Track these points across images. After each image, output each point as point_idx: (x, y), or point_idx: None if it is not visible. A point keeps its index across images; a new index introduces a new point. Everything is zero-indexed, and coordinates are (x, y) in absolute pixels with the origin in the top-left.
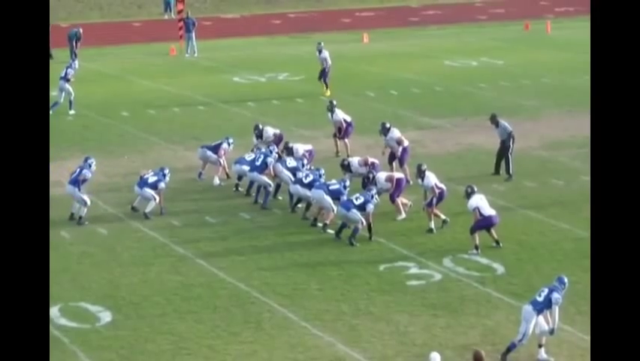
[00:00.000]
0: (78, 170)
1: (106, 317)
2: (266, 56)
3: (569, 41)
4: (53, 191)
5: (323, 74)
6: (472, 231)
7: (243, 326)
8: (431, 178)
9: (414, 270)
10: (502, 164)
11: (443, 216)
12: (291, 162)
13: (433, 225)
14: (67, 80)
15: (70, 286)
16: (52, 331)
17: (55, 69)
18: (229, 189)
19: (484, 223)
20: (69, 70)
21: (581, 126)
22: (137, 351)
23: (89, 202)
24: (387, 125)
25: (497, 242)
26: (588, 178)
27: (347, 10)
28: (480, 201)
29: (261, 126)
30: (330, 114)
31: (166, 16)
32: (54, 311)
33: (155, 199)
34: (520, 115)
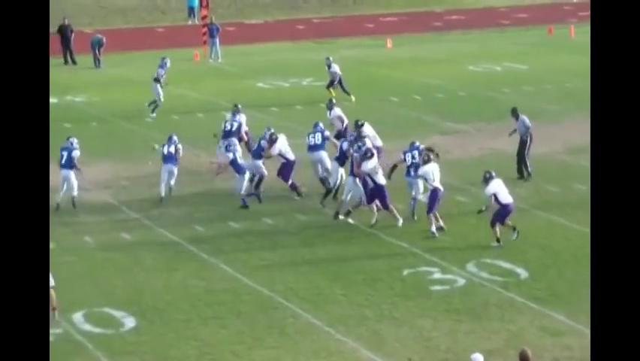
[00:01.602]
0: (66, 153)
1: (130, 322)
2: (290, 62)
3: None
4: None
5: (339, 84)
6: (493, 224)
7: (266, 331)
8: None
9: (437, 275)
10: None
11: (441, 223)
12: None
13: (434, 228)
14: (158, 81)
15: (94, 291)
16: (76, 336)
17: (79, 75)
18: (251, 195)
19: (502, 213)
20: (160, 70)
21: None
22: (161, 357)
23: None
24: (334, 101)
25: (514, 228)
26: None
27: (371, 15)
28: (498, 187)
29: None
30: (328, 112)
31: (190, 22)
32: (78, 317)
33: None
34: (543, 119)
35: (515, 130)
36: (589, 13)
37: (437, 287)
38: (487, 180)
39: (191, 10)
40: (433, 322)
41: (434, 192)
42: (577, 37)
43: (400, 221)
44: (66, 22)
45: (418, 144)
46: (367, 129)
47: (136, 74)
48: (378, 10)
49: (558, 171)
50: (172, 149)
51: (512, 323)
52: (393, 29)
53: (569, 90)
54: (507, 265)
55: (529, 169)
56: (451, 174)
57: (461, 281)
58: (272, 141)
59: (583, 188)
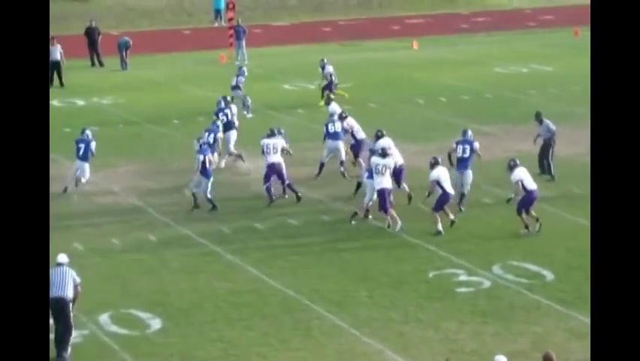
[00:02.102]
0: (83, 145)
1: (156, 323)
2: (315, 64)
3: None
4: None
5: (328, 86)
6: (519, 212)
7: (292, 333)
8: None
9: (463, 277)
10: (545, 165)
11: (452, 216)
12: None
13: (440, 227)
14: (239, 88)
15: (120, 293)
16: (102, 337)
17: (106, 77)
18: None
19: (528, 200)
20: (239, 78)
21: None
22: (187, 358)
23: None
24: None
25: (537, 219)
26: None
27: (396, 17)
28: (523, 174)
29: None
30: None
31: (216, 24)
32: (104, 318)
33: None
34: (569, 122)
35: (539, 135)
36: None
37: (463, 289)
38: (511, 167)
39: (217, 12)
40: (459, 324)
41: (445, 195)
42: None
43: (399, 225)
44: (93, 24)
45: (470, 134)
46: (351, 121)
47: (162, 76)
48: (404, 11)
49: (583, 173)
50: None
51: (538, 325)
52: (419, 31)
53: None
54: (533, 267)
55: (553, 173)
56: (476, 175)
57: (487, 283)
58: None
59: None
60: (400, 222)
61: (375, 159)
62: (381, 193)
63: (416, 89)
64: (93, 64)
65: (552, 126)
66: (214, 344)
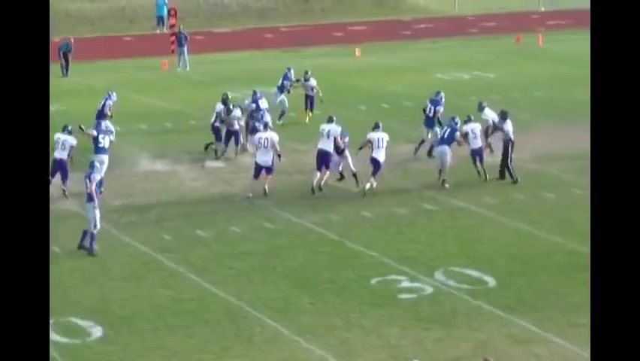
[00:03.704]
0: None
1: (97, 331)
2: (258, 70)
3: (560, 54)
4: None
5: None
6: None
7: (234, 340)
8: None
9: (405, 283)
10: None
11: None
12: None
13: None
14: (288, 91)
15: (61, 301)
16: None
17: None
18: (220, 203)
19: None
20: (286, 82)
21: (573, 139)
22: None
23: None
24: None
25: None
26: (580, 191)
27: (339, 24)
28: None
29: None
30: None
31: (158, 31)
32: None
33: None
34: None
35: (496, 129)
36: (557, 22)
37: (405, 295)
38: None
39: (160, 19)
40: (401, 330)
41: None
42: (545, 45)
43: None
44: None
45: (457, 121)
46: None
47: (103, 82)
48: (347, 18)
49: (526, 180)
50: None
51: (480, 330)
52: (362, 38)
53: (536, 99)
54: (475, 273)
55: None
56: (418, 182)
57: (429, 289)
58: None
59: (551, 196)
60: (315, 182)
61: (322, 126)
62: (319, 153)
63: (358, 96)
64: None
65: (510, 131)
66: (155, 351)
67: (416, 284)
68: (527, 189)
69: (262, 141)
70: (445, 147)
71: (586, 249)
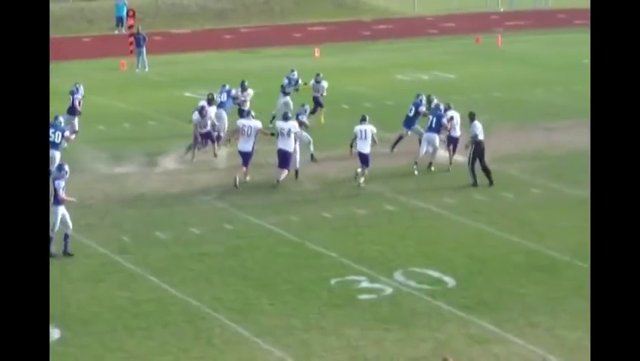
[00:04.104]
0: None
1: (55, 333)
2: (217, 71)
3: (519, 55)
4: None
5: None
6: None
7: (193, 341)
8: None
9: (365, 284)
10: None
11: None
12: None
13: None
14: (297, 90)
15: None
16: None
17: None
18: (179, 205)
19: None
20: (287, 84)
21: (531, 140)
22: None
23: None
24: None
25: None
26: (538, 191)
27: (298, 24)
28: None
29: None
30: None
31: (116, 32)
32: None
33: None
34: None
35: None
36: (516, 22)
37: (365, 296)
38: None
39: (119, 19)
40: (361, 331)
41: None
42: (504, 46)
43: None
44: None
45: (441, 108)
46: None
47: (61, 84)
48: (306, 19)
49: (486, 180)
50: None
51: (440, 331)
52: (322, 38)
53: (496, 99)
54: (435, 274)
55: (473, 178)
56: (379, 183)
57: (389, 290)
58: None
59: (510, 196)
60: (281, 178)
61: (279, 123)
62: (280, 153)
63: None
64: None
65: (478, 133)
66: (114, 353)
67: (376, 285)
68: (487, 189)
69: (245, 129)
70: (435, 135)
71: (543, 248)
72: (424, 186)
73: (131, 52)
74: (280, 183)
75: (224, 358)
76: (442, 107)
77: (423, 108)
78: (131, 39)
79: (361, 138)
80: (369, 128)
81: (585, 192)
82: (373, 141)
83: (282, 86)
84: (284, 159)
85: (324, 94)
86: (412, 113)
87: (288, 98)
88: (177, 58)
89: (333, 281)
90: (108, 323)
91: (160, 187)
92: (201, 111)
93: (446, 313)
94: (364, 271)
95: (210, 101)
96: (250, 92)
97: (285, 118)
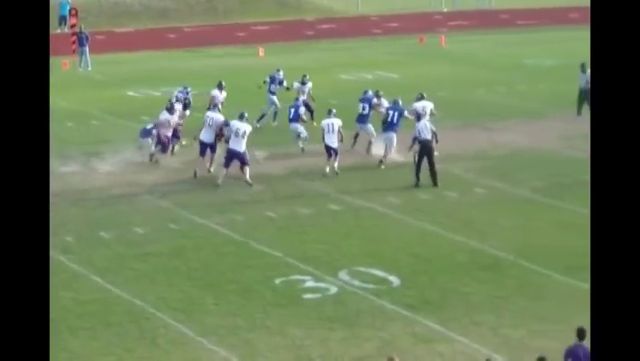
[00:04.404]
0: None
1: None
2: (160, 71)
3: (462, 55)
4: None
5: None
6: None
7: (137, 341)
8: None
9: (310, 283)
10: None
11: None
12: None
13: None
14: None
15: None
16: None
17: None
18: (123, 204)
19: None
20: (272, 83)
21: (474, 139)
22: None
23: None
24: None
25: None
26: (481, 190)
27: (242, 24)
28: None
29: None
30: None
31: (59, 30)
32: None
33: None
34: (413, 128)
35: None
36: (459, 22)
37: (309, 295)
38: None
39: (62, 18)
40: (306, 330)
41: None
42: (447, 46)
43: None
44: None
45: (400, 102)
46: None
47: None
48: (250, 18)
49: (429, 179)
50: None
51: (384, 330)
52: (265, 38)
53: (439, 99)
54: (379, 273)
55: (418, 179)
56: (324, 182)
57: (333, 289)
58: (378, 96)
59: (454, 196)
60: (220, 178)
61: (234, 123)
62: (228, 152)
63: (262, 97)
64: None
65: (426, 132)
66: (58, 354)
67: (320, 284)
68: (431, 188)
69: (207, 120)
70: (394, 134)
71: (487, 247)
72: (369, 185)
73: (74, 51)
74: (221, 183)
75: (168, 358)
76: (400, 101)
77: (375, 100)
78: (74, 38)
79: (328, 131)
80: (336, 122)
81: (527, 192)
82: (340, 134)
83: (265, 83)
84: (231, 158)
85: (310, 94)
86: (366, 111)
87: (274, 97)
88: (120, 57)
89: (277, 281)
90: (52, 324)
91: (104, 186)
92: (170, 110)
93: (391, 312)
94: (309, 270)
95: (186, 106)
96: (224, 93)
97: (241, 118)
